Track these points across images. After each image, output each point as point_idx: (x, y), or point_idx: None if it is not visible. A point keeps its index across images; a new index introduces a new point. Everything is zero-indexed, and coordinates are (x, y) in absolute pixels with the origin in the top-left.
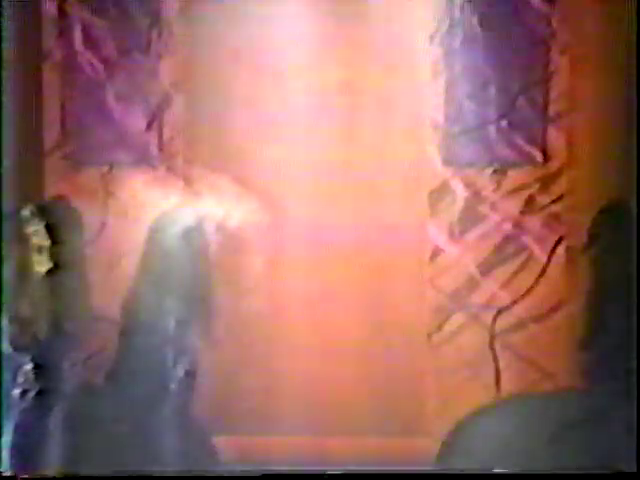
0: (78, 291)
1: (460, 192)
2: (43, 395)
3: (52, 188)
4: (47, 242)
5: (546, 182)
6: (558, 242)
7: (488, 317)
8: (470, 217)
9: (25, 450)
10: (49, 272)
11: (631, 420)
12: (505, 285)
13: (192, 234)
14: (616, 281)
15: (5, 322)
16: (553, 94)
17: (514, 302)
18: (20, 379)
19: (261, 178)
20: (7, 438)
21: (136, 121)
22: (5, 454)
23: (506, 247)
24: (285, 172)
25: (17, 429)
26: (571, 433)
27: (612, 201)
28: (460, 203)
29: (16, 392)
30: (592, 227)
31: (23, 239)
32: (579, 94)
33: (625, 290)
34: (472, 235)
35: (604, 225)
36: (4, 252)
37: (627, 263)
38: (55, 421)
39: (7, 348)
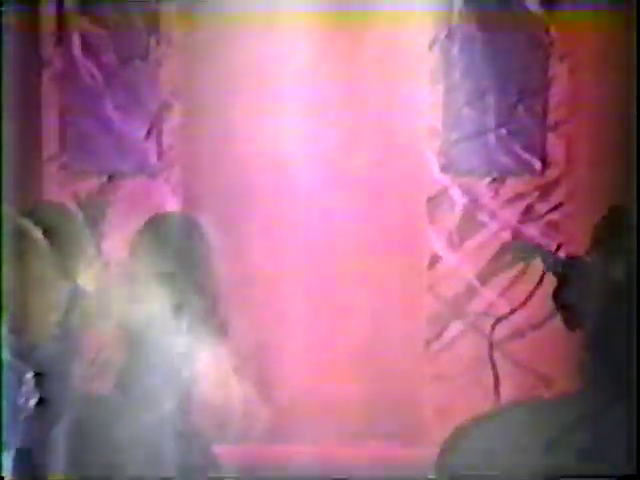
0: (79, 298)
1: (459, 200)
2: (44, 403)
3: (51, 197)
4: (49, 249)
5: (545, 190)
6: (557, 250)
7: (486, 325)
8: (469, 225)
9: (27, 457)
10: (50, 279)
11: (631, 426)
12: (503, 293)
13: (192, 235)
14: (615, 288)
15: (5, 330)
16: (552, 102)
17: (513, 310)
18: (22, 387)
19: (261, 185)
20: (10, 446)
21: (135, 129)
22: (7, 461)
23: (505, 255)
24: (284, 180)
25: (19, 436)
26: (570, 439)
27: (612, 208)
28: (459, 211)
29: (18, 400)
30: (593, 234)
31: (24, 246)
32: (578, 102)
33: (625, 296)
34: (471, 243)
35: (604, 232)
36: (4, 259)
37: (627, 270)
38: (56, 428)
39: (7, 356)
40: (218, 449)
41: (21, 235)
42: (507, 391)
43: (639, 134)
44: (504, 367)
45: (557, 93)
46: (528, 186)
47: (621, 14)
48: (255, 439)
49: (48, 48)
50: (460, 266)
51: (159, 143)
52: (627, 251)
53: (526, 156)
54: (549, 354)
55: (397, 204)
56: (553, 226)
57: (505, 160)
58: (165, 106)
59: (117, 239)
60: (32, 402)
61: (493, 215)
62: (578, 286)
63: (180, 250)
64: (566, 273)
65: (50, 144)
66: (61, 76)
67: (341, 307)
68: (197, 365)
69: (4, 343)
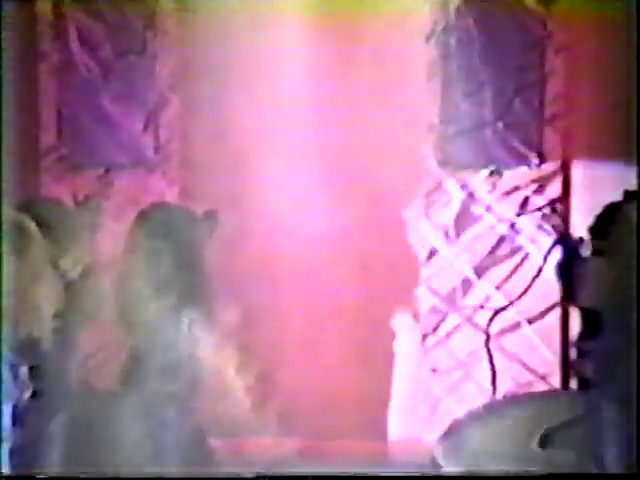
0: (76, 294)
1: (455, 193)
2: (39, 396)
3: (48, 190)
4: (45, 242)
5: (541, 184)
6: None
7: (483, 318)
8: (465, 218)
9: (25, 450)
10: (47, 273)
11: (630, 421)
12: (500, 287)
13: (188, 227)
14: (614, 282)
15: (3, 323)
16: (549, 96)
17: (509, 303)
18: (18, 380)
19: (257, 180)
20: (7, 438)
21: (132, 123)
22: (5, 454)
23: (501, 248)
24: (281, 174)
25: (16, 430)
26: (566, 434)
27: (610, 202)
28: (455, 204)
29: (15, 393)
30: (589, 228)
31: (21, 240)
32: (575, 95)
33: (623, 291)
34: (467, 236)
35: (601, 226)
36: (2, 253)
37: (626, 264)
38: (53, 422)
39: (6, 351)
40: (216, 443)
41: (18, 229)
42: (503, 385)
43: (638, 127)
44: (501, 361)
45: (553, 86)
46: (525, 179)
47: (619, 6)
48: (252, 433)
49: (45, 42)
50: (457, 259)
51: (156, 136)
52: (625, 247)
53: (523, 149)
54: (545, 347)
55: (394, 198)
56: (549, 219)
57: (502, 154)
58: (162, 100)
59: (114, 232)
60: (26, 395)
61: (489, 208)
62: (582, 264)
63: (176, 242)
64: (575, 248)
65: (47, 137)
66: (58, 70)
67: (337, 301)
68: (197, 358)
69: (3, 338)
